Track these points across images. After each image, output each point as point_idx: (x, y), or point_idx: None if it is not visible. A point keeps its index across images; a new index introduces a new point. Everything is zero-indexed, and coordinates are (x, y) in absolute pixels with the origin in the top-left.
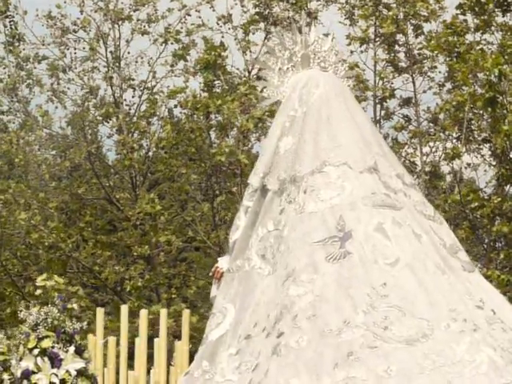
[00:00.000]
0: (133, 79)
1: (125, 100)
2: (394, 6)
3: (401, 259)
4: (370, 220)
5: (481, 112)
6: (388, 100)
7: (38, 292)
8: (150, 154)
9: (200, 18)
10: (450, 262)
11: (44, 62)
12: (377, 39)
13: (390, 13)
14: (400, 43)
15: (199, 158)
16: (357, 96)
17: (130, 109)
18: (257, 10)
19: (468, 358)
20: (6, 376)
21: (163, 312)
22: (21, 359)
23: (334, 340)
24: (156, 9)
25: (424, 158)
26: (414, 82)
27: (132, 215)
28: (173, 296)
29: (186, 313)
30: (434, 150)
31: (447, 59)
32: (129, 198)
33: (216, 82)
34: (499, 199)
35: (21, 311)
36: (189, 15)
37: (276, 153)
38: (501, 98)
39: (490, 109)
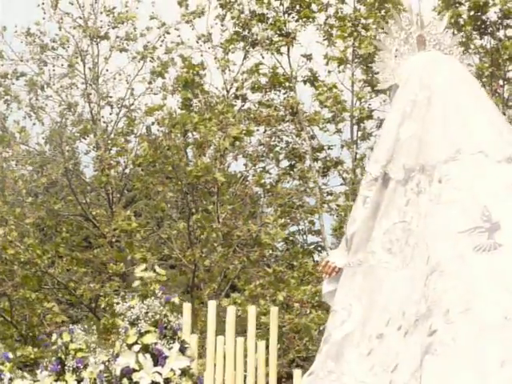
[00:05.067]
0: (110, 96)
1: (102, 117)
2: (373, 26)
3: None
4: None
5: None
6: (365, 121)
7: (136, 284)
8: (127, 171)
9: (179, 36)
10: None
11: (22, 78)
12: (355, 60)
13: (369, 33)
14: None
15: (176, 176)
16: (335, 115)
17: (107, 126)
18: (236, 29)
19: None
20: (85, 374)
21: (252, 309)
22: (117, 356)
23: (495, 336)
24: (135, 27)
25: None
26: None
27: (108, 232)
28: None
29: (275, 310)
30: None
31: None
32: (105, 214)
33: (194, 101)
34: None
35: (117, 304)
36: (168, 33)
37: (397, 139)
38: None
39: None
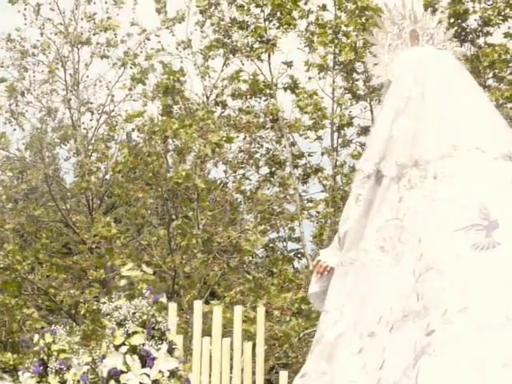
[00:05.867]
0: (91, 103)
1: (83, 123)
2: (354, 33)
3: None
4: None
5: None
6: (346, 128)
7: (123, 283)
8: (107, 177)
9: (159, 42)
10: None
11: (2, 84)
12: (335, 66)
13: (349, 40)
14: (358, 71)
15: (156, 182)
16: (316, 122)
17: (87, 132)
18: (216, 35)
19: None
20: (68, 376)
21: (238, 309)
22: (103, 357)
23: (496, 336)
24: (116, 33)
25: None
26: (372, 110)
27: (88, 238)
28: None
29: (262, 310)
30: None
31: None
32: (85, 221)
33: (174, 107)
34: None
35: (103, 303)
36: (148, 39)
37: (390, 136)
38: None
39: None
